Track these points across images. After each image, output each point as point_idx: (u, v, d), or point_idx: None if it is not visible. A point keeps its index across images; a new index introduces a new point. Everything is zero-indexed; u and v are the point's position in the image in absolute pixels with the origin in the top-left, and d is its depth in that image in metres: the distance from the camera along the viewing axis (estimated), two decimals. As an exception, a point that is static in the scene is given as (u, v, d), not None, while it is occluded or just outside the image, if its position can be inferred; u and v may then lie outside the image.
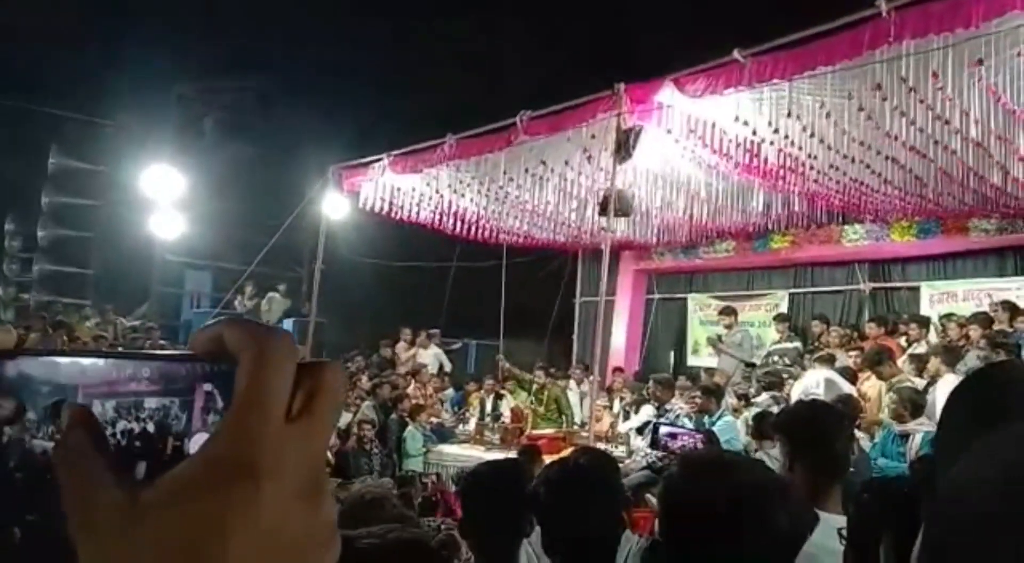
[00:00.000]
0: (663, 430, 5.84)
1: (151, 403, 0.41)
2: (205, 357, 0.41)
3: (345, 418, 9.59)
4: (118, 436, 0.41)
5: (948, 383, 6.60)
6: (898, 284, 10.80)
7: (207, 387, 0.41)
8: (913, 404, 6.35)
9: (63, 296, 16.06)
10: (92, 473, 0.39)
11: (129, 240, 14.90)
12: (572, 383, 11.02)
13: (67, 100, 15.11)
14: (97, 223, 16.65)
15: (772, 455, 4.26)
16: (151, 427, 0.41)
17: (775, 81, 6.11)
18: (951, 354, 7.40)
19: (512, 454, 6.98)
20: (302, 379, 0.41)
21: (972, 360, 7.24)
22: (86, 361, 0.41)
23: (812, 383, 7.57)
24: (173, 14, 14.43)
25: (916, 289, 10.48)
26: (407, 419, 9.61)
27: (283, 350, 0.40)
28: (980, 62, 5.29)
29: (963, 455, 0.67)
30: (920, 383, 7.26)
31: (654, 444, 6.05)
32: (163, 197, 12.46)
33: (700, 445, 5.70)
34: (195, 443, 0.41)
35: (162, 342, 12.28)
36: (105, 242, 16.45)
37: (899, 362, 8.14)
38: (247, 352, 0.40)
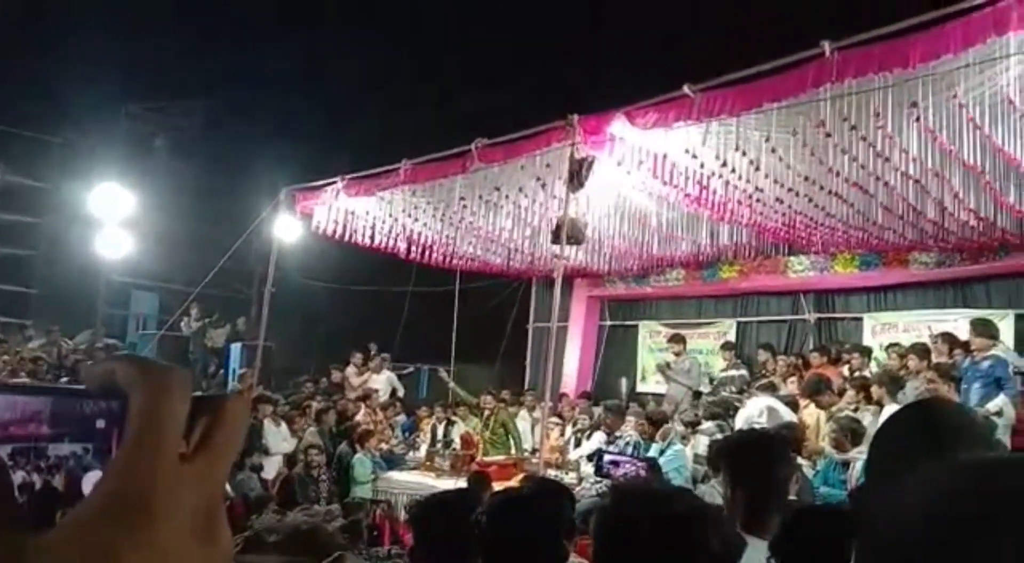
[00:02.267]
0: (607, 458, 5.90)
1: (55, 450, 0.40)
2: (98, 393, 0.41)
3: (291, 444, 9.44)
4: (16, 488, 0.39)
5: (890, 412, 6.74)
6: (841, 314, 11.03)
7: (100, 424, 0.41)
8: (853, 433, 6.48)
9: (3, 315, 15.57)
10: None
11: (74, 259, 14.53)
12: (524, 411, 10.99)
13: (13, 116, 14.75)
14: (41, 241, 16.22)
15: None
16: (55, 478, 0.40)
17: (723, 116, 6.25)
18: (894, 383, 7.55)
19: (462, 481, 6.94)
20: (200, 413, 0.42)
21: (911, 391, 7.40)
22: None
23: (755, 412, 7.68)
24: (122, 30, 14.23)
25: (859, 320, 10.71)
26: (356, 445, 9.47)
27: (175, 386, 0.41)
28: (914, 105, 5.50)
29: (898, 484, 0.69)
30: (865, 411, 7.39)
31: (598, 471, 6.10)
32: (110, 216, 12.20)
33: (643, 473, 5.75)
34: (88, 481, 0.40)
35: None
36: (49, 261, 16.02)
37: (846, 387, 8.26)
38: (138, 388, 0.40)
